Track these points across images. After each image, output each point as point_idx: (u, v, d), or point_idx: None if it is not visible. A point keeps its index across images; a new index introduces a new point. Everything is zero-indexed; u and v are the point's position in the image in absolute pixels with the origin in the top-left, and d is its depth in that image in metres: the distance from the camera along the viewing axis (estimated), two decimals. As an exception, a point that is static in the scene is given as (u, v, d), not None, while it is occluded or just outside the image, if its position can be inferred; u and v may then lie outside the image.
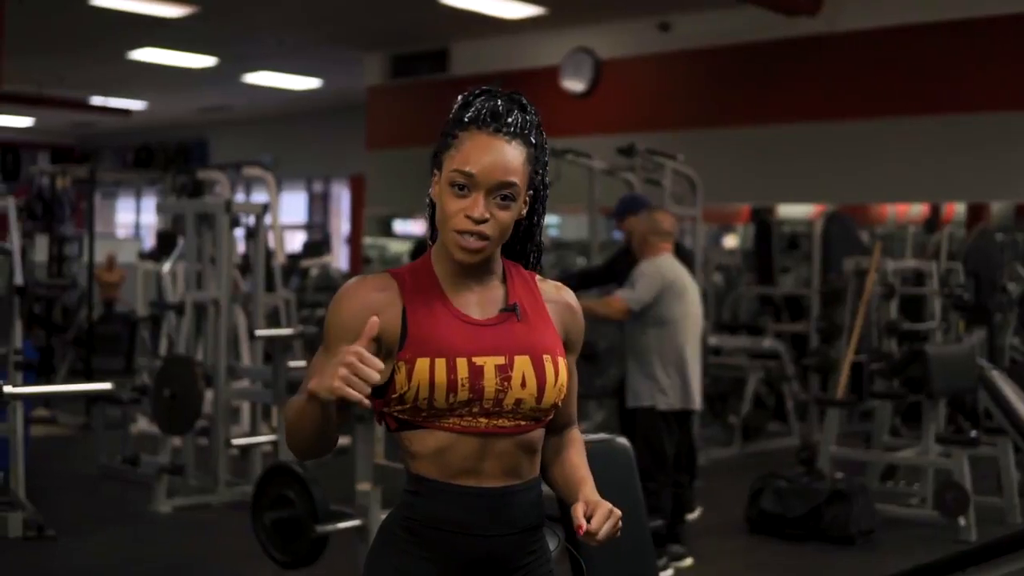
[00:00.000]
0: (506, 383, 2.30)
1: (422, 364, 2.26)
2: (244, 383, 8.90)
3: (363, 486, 5.94)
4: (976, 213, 14.75)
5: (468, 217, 2.28)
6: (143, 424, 10.29)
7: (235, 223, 8.58)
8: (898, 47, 13.27)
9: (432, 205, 2.43)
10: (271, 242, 10.22)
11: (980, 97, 12.71)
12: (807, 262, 14.17)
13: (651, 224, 6.85)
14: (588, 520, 2.27)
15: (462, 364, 2.27)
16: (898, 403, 9.21)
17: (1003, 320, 11.07)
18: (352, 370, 2.05)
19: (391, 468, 6.02)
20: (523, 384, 2.31)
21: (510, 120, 2.33)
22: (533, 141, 2.37)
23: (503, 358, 2.31)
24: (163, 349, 9.92)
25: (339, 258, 23.66)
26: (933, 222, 14.73)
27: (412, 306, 2.33)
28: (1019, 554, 4.27)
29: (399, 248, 20.65)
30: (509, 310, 2.38)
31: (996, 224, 14.01)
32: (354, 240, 21.96)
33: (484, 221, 2.28)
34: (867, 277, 9.53)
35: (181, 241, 10.63)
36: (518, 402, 2.31)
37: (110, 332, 14.47)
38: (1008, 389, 5.06)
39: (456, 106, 2.38)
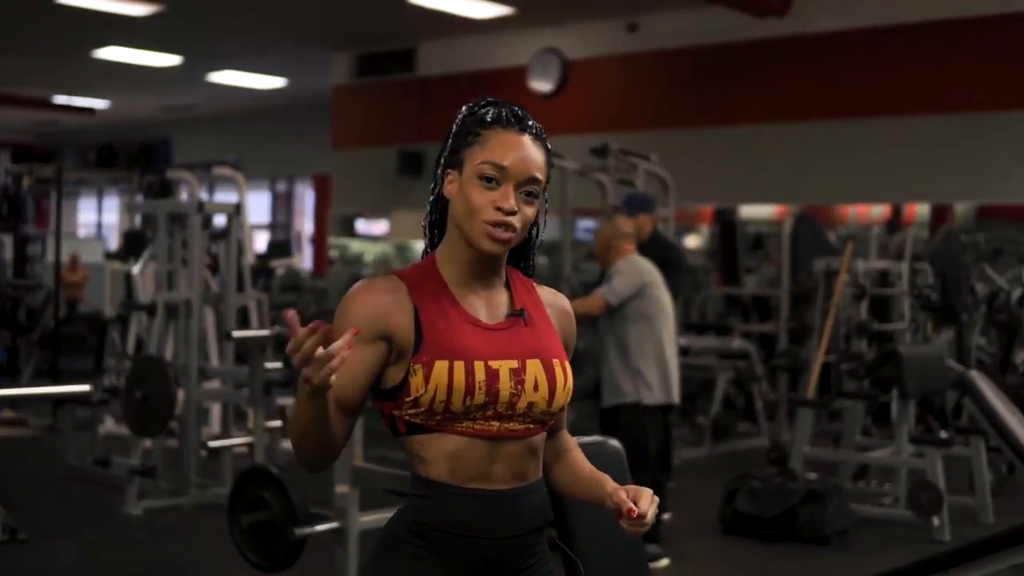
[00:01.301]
0: (520, 387, 2.31)
1: (440, 367, 2.25)
2: (214, 384, 8.85)
3: (342, 488, 5.89)
4: (940, 214, 14.84)
5: (499, 208, 2.28)
6: (110, 425, 10.21)
7: (207, 223, 8.53)
8: (865, 49, 13.33)
9: (436, 208, 2.44)
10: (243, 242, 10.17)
11: (944, 99, 12.79)
12: (770, 262, 14.24)
13: (613, 229, 6.98)
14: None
15: (479, 367, 2.27)
16: (870, 403, 9.25)
17: (970, 320, 11.13)
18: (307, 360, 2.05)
19: (370, 470, 6.00)
20: (535, 388, 2.33)
21: (530, 123, 2.37)
22: (549, 147, 2.41)
23: (516, 362, 2.32)
24: (129, 350, 9.85)
25: (305, 258, 23.61)
26: (895, 223, 14.81)
27: (424, 309, 2.32)
28: (1001, 555, 4.28)
29: (360, 248, 20.63)
30: (517, 315, 2.40)
31: (959, 225, 14.09)
32: (319, 240, 21.90)
33: (514, 213, 2.29)
34: (837, 278, 9.56)
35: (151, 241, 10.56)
36: (530, 405, 2.32)
37: (74, 333, 14.35)
38: (988, 391, 5.07)
39: (463, 115, 2.41)
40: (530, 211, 2.33)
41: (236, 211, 8.73)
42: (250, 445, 7.43)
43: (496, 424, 2.30)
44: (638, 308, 6.71)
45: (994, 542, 4.31)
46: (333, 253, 20.20)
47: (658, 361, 6.75)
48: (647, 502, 2.30)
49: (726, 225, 14.26)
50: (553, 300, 2.53)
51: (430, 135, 16.69)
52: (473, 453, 2.29)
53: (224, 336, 8.11)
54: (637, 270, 6.78)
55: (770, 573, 7.11)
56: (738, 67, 14.39)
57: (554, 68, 15.74)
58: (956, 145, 12.72)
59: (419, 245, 10.86)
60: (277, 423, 7.91)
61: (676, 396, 6.95)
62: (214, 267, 9.91)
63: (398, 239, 19.93)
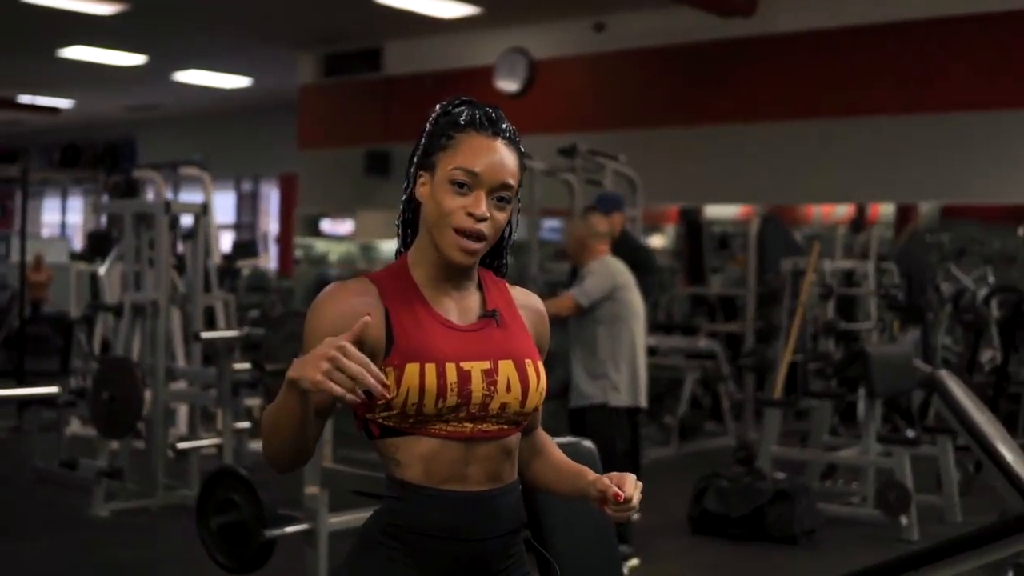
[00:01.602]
0: (492, 387, 2.30)
1: (412, 369, 2.24)
2: (180, 385, 8.81)
3: (311, 490, 5.86)
4: (904, 214, 14.92)
5: (470, 214, 2.28)
6: (76, 427, 10.15)
7: (174, 223, 8.49)
8: (830, 49, 13.38)
9: (408, 208, 2.44)
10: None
11: (908, 99, 12.84)
12: (735, 262, 14.28)
13: (587, 228, 6.94)
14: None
15: (451, 369, 2.27)
16: (837, 403, 9.28)
17: (935, 320, 11.19)
18: (335, 364, 2.02)
19: (339, 472, 5.97)
20: (508, 388, 2.32)
21: (504, 126, 2.36)
22: (522, 150, 2.40)
23: (488, 363, 2.32)
24: (95, 351, 9.79)
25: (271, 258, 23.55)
26: (859, 223, 14.88)
27: (395, 311, 2.31)
28: (972, 554, 4.30)
29: (325, 248, 20.59)
30: (489, 316, 2.39)
31: (923, 225, 14.17)
32: (285, 240, 21.84)
33: (485, 219, 2.29)
34: (804, 277, 9.59)
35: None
36: (503, 406, 2.32)
37: (39, 333, 14.27)
38: (959, 391, 5.08)
39: (436, 115, 2.39)
40: (501, 216, 2.33)
41: (203, 211, 8.70)
42: (218, 446, 7.39)
43: (469, 425, 2.29)
44: (609, 311, 6.70)
45: (964, 541, 4.32)
46: (298, 253, 20.15)
47: (627, 364, 6.74)
48: (631, 486, 2.31)
49: (692, 225, 14.31)
50: (526, 300, 2.52)
51: (397, 135, 16.68)
52: (447, 455, 2.28)
53: (193, 337, 8.07)
54: (609, 272, 6.75)
55: (739, 572, 7.13)
56: (704, 67, 14.42)
57: (521, 68, 15.74)
58: (921, 145, 12.77)
59: (385, 245, 10.82)
60: (245, 424, 7.88)
61: (644, 400, 6.92)
62: (180, 267, 9.87)
63: (363, 239, 19.89)
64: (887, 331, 10.64)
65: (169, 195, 9.77)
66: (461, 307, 2.39)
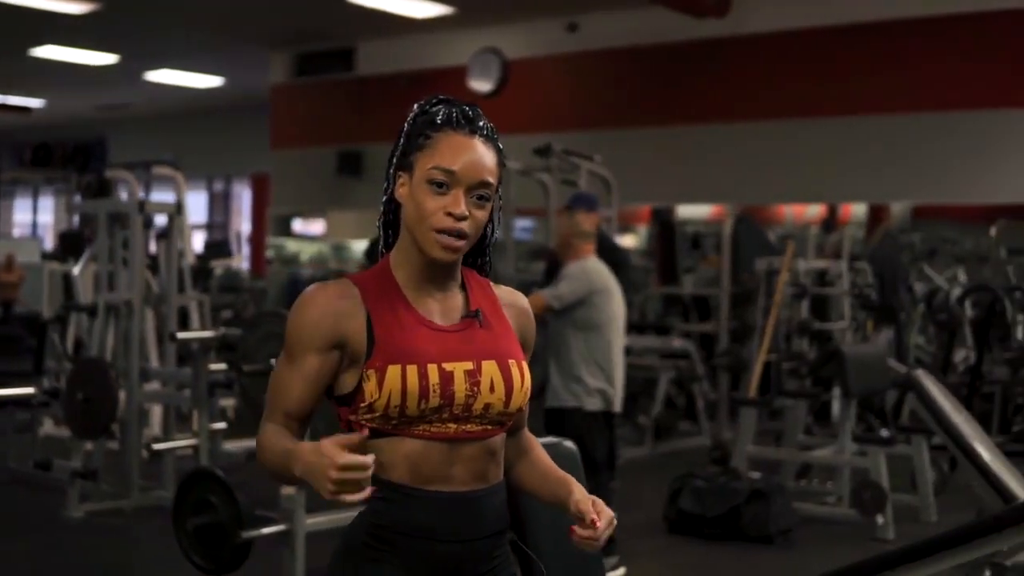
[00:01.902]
0: (475, 388, 2.30)
1: (393, 371, 2.24)
2: (154, 386, 8.77)
3: (288, 490, 5.86)
4: (876, 215, 14.97)
5: (449, 214, 2.28)
6: (50, 427, 10.10)
7: (148, 223, 8.45)
8: (803, 50, 13.42)
9: (389, 209, 2.43)
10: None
11: (881, 99, 12.87)
12: (707, 262, 14.30)
13: (573, 226, 6.81)
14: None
15: (433, 370, 2.26)
16: (812, 402, 9.31)
17: (907, 319, 11.24)
18: (339, 482, 2.06)
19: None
20: (491, 389, 2.32)
21: (481, 124, 2.35)
22: (500, 147, 2.39)
23: (471, 363, 2.32)
24: (68, 351, 9.74)
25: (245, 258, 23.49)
26: (830, 223, 14.93)
27: (377, 313, 2.31)
28: (949, 553, 4.31)
29: (297, 247, 20.55)
30: (472, 316, 2.39)
31: (895, 225, 14.23)
32: (257, 240, 21.77)
33: (465, 218, 2.28)
34: (779, 277, 9.62)
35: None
36: (487, 407, 2.32)
37: (10, 334, 14.17)
38: (936, 391, 5.11)
39: (414, 114, 2.39)
40: (481, 215, 2.33)
41: (177, 211, 8.67)
42: (194, 447, 7.35)
43: (453, 426, 2.29)
44: (584, 316, 6.57)
45: (943, 541, 4.34)
46: (270, 253, 20.10)
47: (602, 370, 6.61)
48: (606, 524, 2.33)
49: (665, 225, 14.33)
50: (511, 299, 2.52)
51: (369, 135, 16.65)
52: (432, 456, 2.28)
53: (169, 337, 8.04)
54: (587, 277, 6.61)
55: (715, 572, 7.14)
56: (677, 67, 14.43)
57: (494, 68, 15.70)
58: (892, 145, 12.81)
59: (357, 245, 10.72)
60: (221, 425, 7.84)
61: (618, 406, 6.80)
62: (153, 267, 9.83)
63: (335, 239, 19.85)
64: (860, 331, 10.68)
65: (141, 195, 9.72)
66: (444, 308, 2.38)
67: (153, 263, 9.91)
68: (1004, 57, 12.20)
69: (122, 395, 7.87)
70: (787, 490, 7.91)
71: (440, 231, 2.28)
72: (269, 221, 20.60)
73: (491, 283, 2.51)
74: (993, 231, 12.76)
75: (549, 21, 15.17)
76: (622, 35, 14.63)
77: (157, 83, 20.74)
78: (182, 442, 7.61)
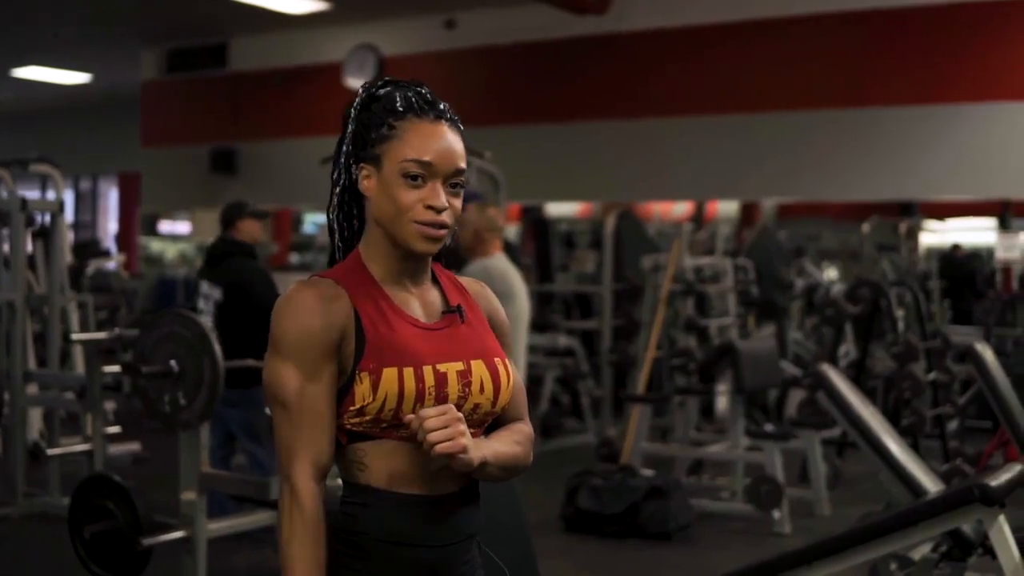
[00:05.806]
0: (467, 389, 2.25)
1: (389, 375, 2.16)
2: (32, 388, 8.53)
3: (188, 495, 5.71)
4: (749, 212, 15.17)
5: (430, 207, 2.21)
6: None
7: (30, 222, 8.24)
8: (678, 48, 13.47)
9: (344, 201, 2.34)
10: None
11: (749, 99, 12.96)
12: (577, 259, 14.36)
13: (486, 220, 6.70)
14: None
15: (428, 372, 2.20)
16: (703, 398, 9.37)
17: (785, 315, 11.39)
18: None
19: (217, 476, 5.86)
20: (481, 389, 2.27)
21: (442, 107, 2.30)
22: (461, 127, 2.34)
23: (462, 363, 2.26)
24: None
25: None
26: (699, 220, 15.10)
27: (363, 312, 2.23)
28: (862, 548, 4.37)
29: (160, 247, 20.30)
30: (453, 311, 2.33)
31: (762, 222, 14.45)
32: (128, 239, 21.43)
33: (445, 209, 2.22)
34: (665, 273, 9.67)
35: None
36: (475, 407, 2.27)
37: None
38: (842, 386, 5.17)
39: (363, 100, 2.31)
40: (458, 203, 2.27)
41: (61, 209, 8.47)
42: (88, 452, 7.15)
43: None
44: None
45: (854, 535, 4.39)
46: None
47: None
48: (434, 413, 2.14)
49: (538, 223, 14.34)
50: (480, 290, 2.46)
51: (243, 132, 16.46)
52: (414, 458, 2.20)
53: (63, 338, 7.86)
54: (487, 276, 6.26)
55: (615, 569, 7.13)
56: (555, 65, 14.42)
57: (370, 65, 15.59)
58: (760, 144, 12.89)
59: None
60: (116, 429, 7.65)
61: None
62: (30, 267, 9.59)
63: (200, 238, 19.58)
64: (743, 327, 10.77)
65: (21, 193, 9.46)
66: (424, 303, 2.32)
67: (29, 263, 9.66)
68: (873, 55, 12.31)
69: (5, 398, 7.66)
70: (684, 487, 7.95)
71: (423, 223, 2.21)
72: (139, 220, 20.29)
73: (453, 274, 2.45)
74: (865, 228, 12.97)
75: (427, 18, 15.09)
76: (501, 32, 14.58)
77: (22, 79, 20.21)
78: (76, 447, 7.39)
